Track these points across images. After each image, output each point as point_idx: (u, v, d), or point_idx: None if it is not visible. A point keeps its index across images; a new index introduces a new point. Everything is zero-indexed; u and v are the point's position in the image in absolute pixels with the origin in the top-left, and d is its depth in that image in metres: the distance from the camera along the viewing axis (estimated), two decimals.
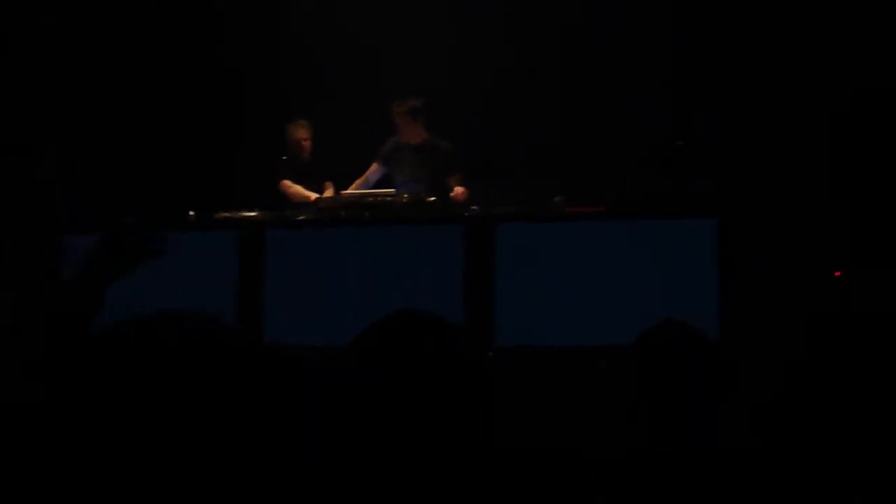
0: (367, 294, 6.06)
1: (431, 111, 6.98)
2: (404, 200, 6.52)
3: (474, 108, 7.68)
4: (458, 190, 6.85)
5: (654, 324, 2.67)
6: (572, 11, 7.64)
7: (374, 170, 7.16)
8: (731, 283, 5.70)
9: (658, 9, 7.50)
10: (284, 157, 7.56)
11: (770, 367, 4.48)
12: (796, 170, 6.88)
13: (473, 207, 6.58)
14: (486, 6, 7.83)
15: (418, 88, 7.13)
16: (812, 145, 6.89)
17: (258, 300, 6.35)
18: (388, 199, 6.53)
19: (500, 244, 6.12)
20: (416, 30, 7.77)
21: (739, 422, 2.90)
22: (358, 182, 7.14)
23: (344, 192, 6.98)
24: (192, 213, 6.82)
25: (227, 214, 6.75)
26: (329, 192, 7.16)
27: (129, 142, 7.95)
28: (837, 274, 6.24)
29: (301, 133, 7.45)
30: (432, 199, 6.53)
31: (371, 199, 6.58)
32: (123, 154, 7.92)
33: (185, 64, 8.18)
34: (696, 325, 2.72)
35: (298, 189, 7.34)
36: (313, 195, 7.14)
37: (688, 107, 7.27)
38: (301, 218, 6.73)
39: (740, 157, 6.92)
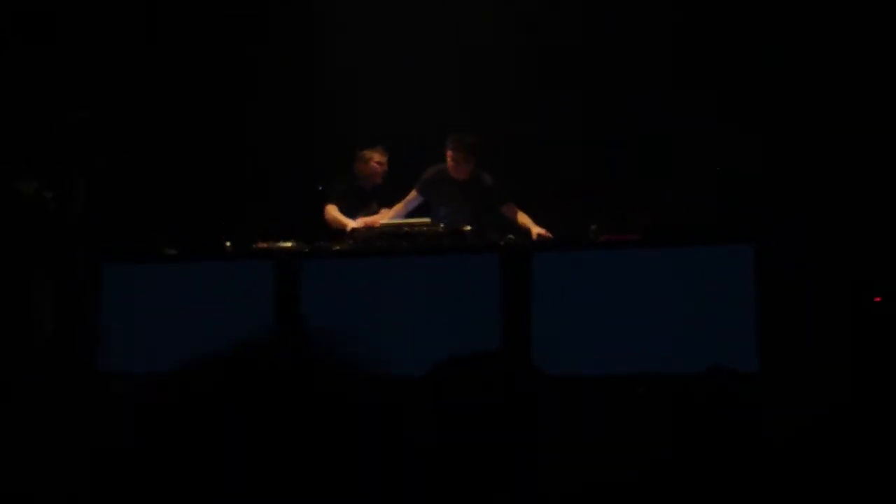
0: (404, 323, 6.09)
1: (482, 147, 6.95)
2: (440, 230, 6.53)
3: (508, 137, 7.70)
4: (540, 231, 6.76)
5: (695, 370, 2.66)
6: (608, 37, 7.67)
7: (412, 198, 7.15)
8: (769, 309, 5.67)
9: (697, 34, 7.51)
10: (321, 188, 7.57)
11: (811, 396, 4.45)
12: (832, 192, 6.86)
13: (510, 236, 6.59)
14: (520, 35, 7.86)
15: (450, 118, 7.16)
16: (851, 169, 6.88)
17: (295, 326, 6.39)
18: (425, 228, 6.55)
19: (537, 273, 6.13)
20: (446, 57, 7.82)
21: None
22: (396, 209, 7.14)
23: (381, 221, 6.99)
24: (228, 243, 6.87)
25: (264, 245, 6.79)
26: (381, 218, 7.12)
27: (167, 170, 8.04)
28: (877, 300, 6.21)
29: (380, 158, 7.39)
30: (468, 228, 6.54)
31: (407, 228, 6.61)
32: (160, 183, 8.00)
33: (224, 95, 8.25)
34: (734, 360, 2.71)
35: (338, 216, 7.30)
36: (351, 223, 7.12)
37: (725, 134, 7.26)
38: (337, 248, 6.75)
39: (778, 183, 6.90)
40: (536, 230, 6.77)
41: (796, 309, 5.76)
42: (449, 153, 6.91)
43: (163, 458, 1.12)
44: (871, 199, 6.79)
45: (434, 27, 7.90)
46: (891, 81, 6.90)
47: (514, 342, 5.86)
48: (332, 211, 7.33)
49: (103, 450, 1.15)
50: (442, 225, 6.61)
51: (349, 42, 8.06)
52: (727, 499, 2.32)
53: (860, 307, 6.08)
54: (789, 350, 5.46)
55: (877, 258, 6.28)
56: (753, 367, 5.43)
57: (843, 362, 4.95)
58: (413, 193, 7.14)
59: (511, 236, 6.62)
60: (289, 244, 6.77)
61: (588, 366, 5.75)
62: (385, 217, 7.07)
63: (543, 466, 1.68)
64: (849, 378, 4.36)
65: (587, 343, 5.90)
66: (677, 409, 2.65)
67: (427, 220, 6.75)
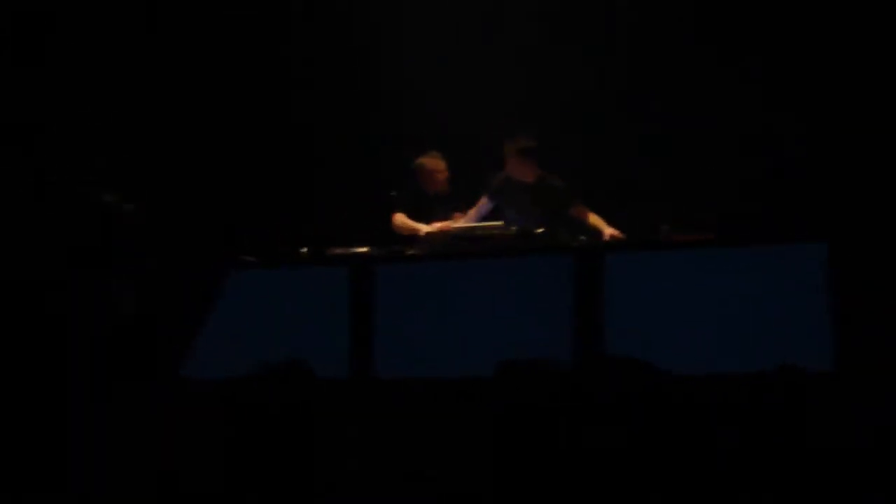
0: (478, 327, 6.14)
1: (541, 150, 7.00)
2: (513, 233, 6.58)
3: (576, 138, 7.73)
4: (612, 232, 6.82)
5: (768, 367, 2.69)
6: (669, 38, 7.67)
7: (483, 203, 7.23)
8: (844, 308, 5.63)
9: (748, 27, 7.49)
10: (393, 193, 7.66)
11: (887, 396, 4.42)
12: None
13: (582, 238, 6.62)
14: (580, 35, 7.89)
15: (518, 118, 7.21)
16: None
17: (369, 334, 6.47)
18: (496, 231, 6.59)
19: (610, 275, 6.14)
20: (506, 59, 7.88)
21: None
22: (469, 215, 7.23)
23: (454, 225, 7.06)
24: (304, 249, 6.97)
25: (338, 250, 6.88)
26: (454, 224, 7.20)
27: (232, 176, 8.18)
28: None
29: (440, 165, 7.49)
30: (540, 230, 6.57)
31: (480, 231, 6.65)
32: (235, 190, 8.15)
33: (286, 97, 8.38)
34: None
35: (408, 222, 7.42)
36: (425, 228, 7.22)
37: (795, 131, 7.21)
38: (410, 252, 6.82)
39: (848, 180, 6.84)
40: (609, 231, 6.79)
41: (874, 307, 5.71)
42: (508, 158, 6.98)
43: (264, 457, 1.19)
44: None
45: (493, 29, 7.96)
46: None
47: (587, 344, 5.88)
48: (402, 218, 7.44)
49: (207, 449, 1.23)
50: (514, 228, 6.66)
51: (413, 44, 8.15)
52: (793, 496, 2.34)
53: None
54: (866, 350, 5.42)
55: None
56: (827, 366, 5.40)
57: None
58: (483, 200, 7.22)
59: (583, 237, 6.65)
60: (364, 249, 6.86)
61: (663, 368, 5.73)
62: (458, 223, 7.15)
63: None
64: None
65: (661, 345, 5.89)
66: (750, 405, 2.67)
67: (500, 223, 6.80)
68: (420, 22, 8.18)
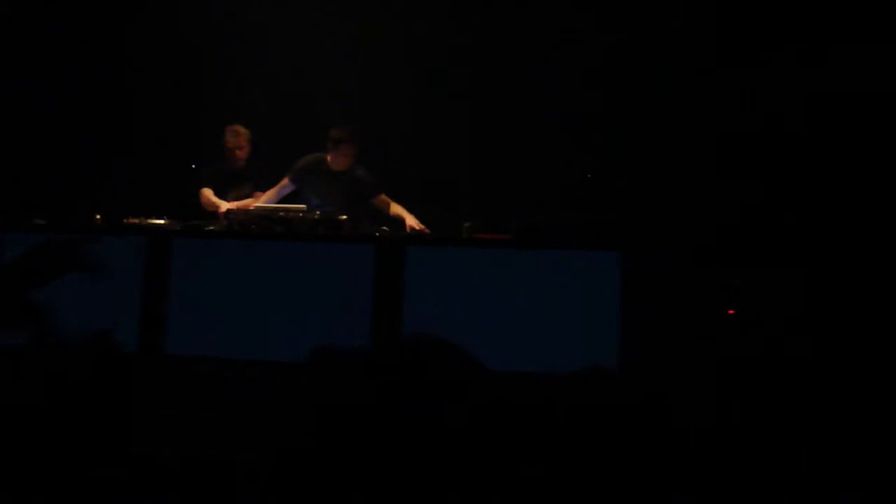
0: (276, 309, 6.12)
1: (358, 142, 7.04)
2: (316, 217, 6.58)
3: (392, 132, 7.80)
4: (414, 224, 6.88)
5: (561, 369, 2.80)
6: (487, 39, 7.83)
7: (284, 184, 7.21)
8: (632, 315, 5.89)
9: (572, 40, 7.73)
10: (194, 166, 7.55)
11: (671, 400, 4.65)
12: (694, 203, 7.15)
13: (384, 228, 6.70)
14: (406, 30, 7.96)
15: (331, 109, 7.23)
16: (705, 177, 7.19)
17: (158, 308, 6.34)
18: (301, 215, 6.59)
19: (410, 265, 6.23)
20: (335, 50, 7.88)
21: None
22: (268, 194, 7.19)
23: (254, 204, 7.01)
24: (98, 216, 6.79)
25: (135, 220, 6.73)
26: (254, 202, 7.13)
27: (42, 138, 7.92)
28: (731, 312, 6.49)
29: (235, 140, 7.39)
30: (343, 217, 6.61)
31: (283, 213, 6.63)
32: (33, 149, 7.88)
33: (111, 66, 8.14)
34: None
35: (212, 198, 7.34)
36: (225, 204, 7.15)
37: (597, 142, 7.49)
38: (210, 229, 6.74)
39: (642, 192, 7.16)
40: (410, 221, 6.89)
41: (658, 314, 5.99)
42: (336, 145, 6.98)
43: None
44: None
45: (330, 16, 7.95)
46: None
47: (385, 332, 5.95)
48: (208, 193, 7.35)
49: None
50: (317, 213, 6.66)
51: (244, 22, 8.05)
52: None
53: (719, 315, 6.36)
54: (649, 352, 5.69)
55: (737, 266, 6.57)
56: (613, 366, 5.65)
57: (703, 367, 5.19)
58: (285, 181, 7.20)
59: (385, 228, 6.73)
60: (161, 222, 6.74)
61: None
62: (258, 202, 7.10)
63: None
64: (712, 382, 4.59)
65: (456, 338, 6.02)
66: (565, 409, 2.78)
67: (302, 206, 6.79)
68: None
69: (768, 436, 4.00)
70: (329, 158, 7.07)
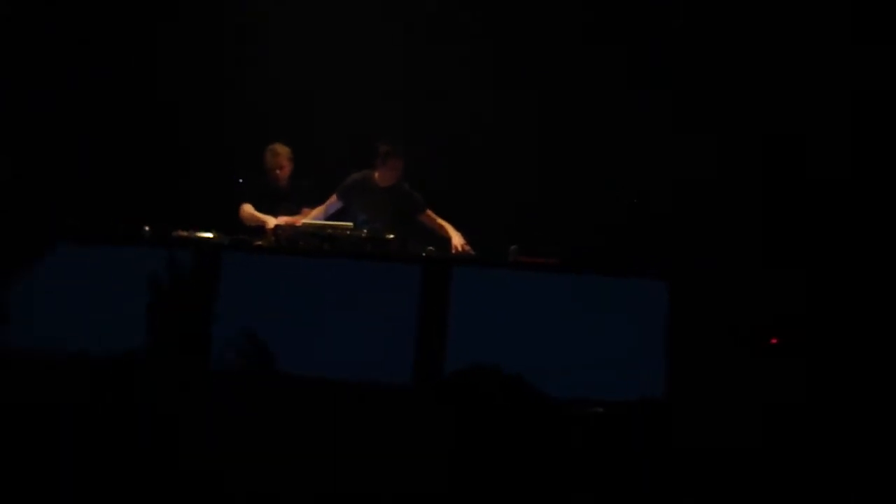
0: (322, 325, 6.14)
1: (406, 158, 7.07)
2: (363, 235, 6.60)
3: (442, 152, 7.84)
4: (459, 243, 6.89)
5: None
6: (543, 64, 7.87)
7: (332, 202, 7.22)
8: (678, 341, 5.88)
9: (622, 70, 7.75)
10: (241, 180, 7.59)
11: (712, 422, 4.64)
12: (738, 239, 7.14)
13: (430, 248, 6.71)
14: (464, 54, 8.00)
15: (386, 129, 7.26)
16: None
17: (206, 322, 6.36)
18: (348, 232, 6.60)
19: (456, 286, 6.24)
20: (388, 69, 7.93)
21: None
22: (316, 211, 7.21)
23: (302, 221, 7.02)
24: (147, 227, 6.82)
25: (184, 233, 6.75)
26: (302, 219, 7.15)
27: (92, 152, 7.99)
28: (774, 341, 6.47)
29: (275, 160, 7.43)
30: (391, 236, 6.62)
31: (330, 230, 6.64)
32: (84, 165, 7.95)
33: (161, 83, 8.20)
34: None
35: (255, 213, 7.37)
36: (273, 220, 7.17)
37: (648, 174, 7.50)
38: (259, 244, 6.75)
39: (690, 225, 7.16)
40: (456, 240, 6.89)
41: (703, 342, 5.98)
42: (385, 160, 7.01)
43: None
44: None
45: (377, 30, 7.99)
46: None
47: (429, 350, 5.96)
48: (249, 209, 7.39)
49: None
50: (364, 231, 6.68)
51: (286, 38, 8.09)
52: None
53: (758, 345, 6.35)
54: (695, 380, 5.68)
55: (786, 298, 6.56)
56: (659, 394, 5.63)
57: (748, 395, 5.17)
58: (333, 198, 7.21)
59: (431, 248, 6.73)
60: (209, 234, 6.75)
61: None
62: (306, 218, 7.12)
63: None
64: (756, 411, 4.58)
65: (500, 357, 6.01)
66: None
67: (349, 224, 6.80)
68: (294, 12, 8.14)
69: (812, 463, 3.98)
70: (376, 174, 7.09)
